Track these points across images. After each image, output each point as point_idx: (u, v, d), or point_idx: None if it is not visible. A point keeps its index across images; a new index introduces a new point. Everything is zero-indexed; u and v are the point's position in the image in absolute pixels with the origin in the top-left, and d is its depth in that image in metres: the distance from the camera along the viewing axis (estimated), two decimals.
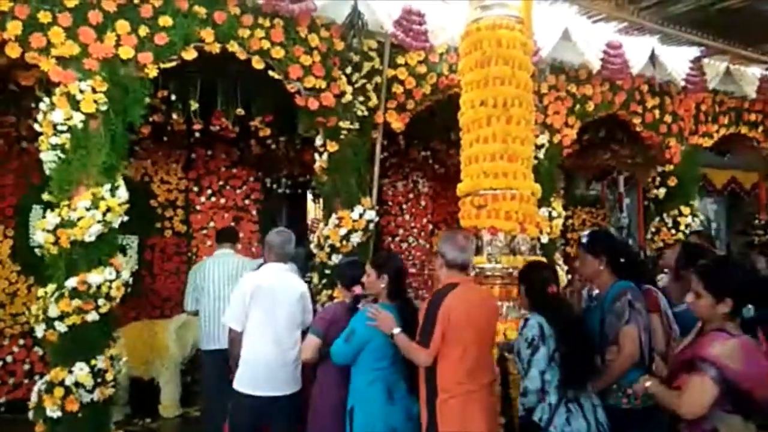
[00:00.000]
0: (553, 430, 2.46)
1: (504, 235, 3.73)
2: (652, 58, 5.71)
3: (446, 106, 5.05)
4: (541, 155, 5.18)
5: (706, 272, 2.20)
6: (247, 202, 6.73)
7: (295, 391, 3.30)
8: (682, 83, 6.02)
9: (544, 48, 5.10)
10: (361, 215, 4.47)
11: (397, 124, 4.74)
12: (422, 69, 4.82)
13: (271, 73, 4.16)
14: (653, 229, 6.42)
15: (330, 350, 2.93)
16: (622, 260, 2.97)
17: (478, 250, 3.79)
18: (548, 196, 5.02)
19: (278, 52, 4.11)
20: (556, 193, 5.44)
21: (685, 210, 6.26)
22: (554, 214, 5.09)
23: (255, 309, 3.26)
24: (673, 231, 6.23)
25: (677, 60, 5.93)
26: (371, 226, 4.58)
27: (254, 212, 6.76)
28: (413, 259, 7.71)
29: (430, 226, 7.96)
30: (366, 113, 4.60)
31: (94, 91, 3.53)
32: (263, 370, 3.21)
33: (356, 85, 4.56)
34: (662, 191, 6.33)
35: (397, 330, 2.73)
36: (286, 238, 3.49)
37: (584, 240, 3.14)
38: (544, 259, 3.53)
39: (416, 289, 7.31)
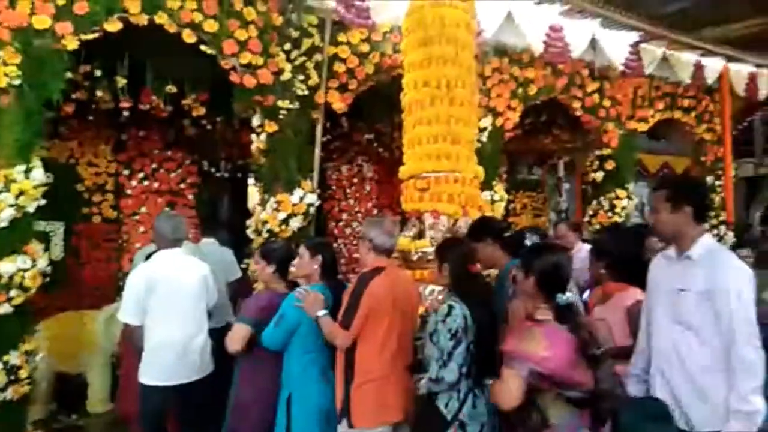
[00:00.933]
0: (462, 418, 2.44)
1: (446, 219, 3.68)
2: (593, 42, 5.78)
3: (390, 87, 4.93)
4: (483, 138, 5.16)
5: (523, 253, 2.35)
6: (182, 186, 6.43)
7: (205, 375, 3.24)
8: (621, 68, 6.12)
9: (487, 30, 5.05)
10: (301, 199, 4.32)
11: (339, 104, 4.59)
12: (365, 48, 4.68)
13: (203, 47, 3.93)
14: (591, 212, 6.55)
15: (261, 337, 2.83)
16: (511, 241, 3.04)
17: (421, 234, 3.74)
18: (491, 180, 5.00)
19: (211, 26, 3.89)
20: (499, 176, 5.44)
21: (621, 193, 6.42)
22: (496, 197, 5.09)
23: (154, 300, 3.12)
24: (610, 214, 6.39)
25: (616, 44, 6.01)
26: (312, 210, 4.44)
27: (191, 197, 6.48)
28: (358, 244, 7.60)
29: (375, 211, 7.87)
30: (306, 92, 4.43)
31: (5, 63, 3.26)
32: (170, 360, 3.11)
33: (295, 63, 4.38)
34: (600, 175, 6.46)
35: (321, 312, 2.70)
36: (176, 222, 3.36)
37: (467, 230, 3.22)
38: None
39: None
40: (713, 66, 6.95)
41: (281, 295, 2.92)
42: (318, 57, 4.49)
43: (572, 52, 5.63)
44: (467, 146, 3.90)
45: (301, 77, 4.42)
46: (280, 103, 4.26)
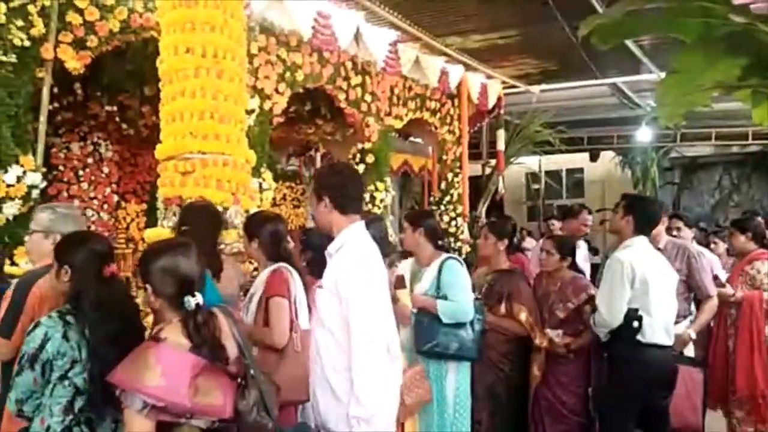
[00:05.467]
0: None
1: None
2: (357, 36, 5.83)
3: (140, 51, 4.24)
4: (251, 121, 4.76)
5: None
6: None
7: None
8: (382, 64, 6.30)
9: (253, 3, 4.67)
10: (19, 178, 3.39)
11: (74, 63, 3.71)
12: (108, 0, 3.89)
13: None
14: None
15: None
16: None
17: None
18: (259, 166, 4.64)
19: None
20: (267, 164, 5.11)
21: (380, 186, 6.65)
22: (264, 185, 4.75)
23: None
24: (370, 206, 6.56)
25: (378, 41, 6.17)
26: (35, 193, 3.53)
27: None
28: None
29: (116, 198, 6.82)
30: (28, 44, 3.49)
31: None
32: None
33: (12, 4, 3.41)
34: (362, 167, 6.59)
35: None
36: None
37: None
38: None
39: None
40: (455, 73, 7.66)
41: None
42: (45, 1, 3.57)
43: (339, 42, 5.60)
44: (238, 126, 3.53)
45: (21, 24, 3.46)
46: None
